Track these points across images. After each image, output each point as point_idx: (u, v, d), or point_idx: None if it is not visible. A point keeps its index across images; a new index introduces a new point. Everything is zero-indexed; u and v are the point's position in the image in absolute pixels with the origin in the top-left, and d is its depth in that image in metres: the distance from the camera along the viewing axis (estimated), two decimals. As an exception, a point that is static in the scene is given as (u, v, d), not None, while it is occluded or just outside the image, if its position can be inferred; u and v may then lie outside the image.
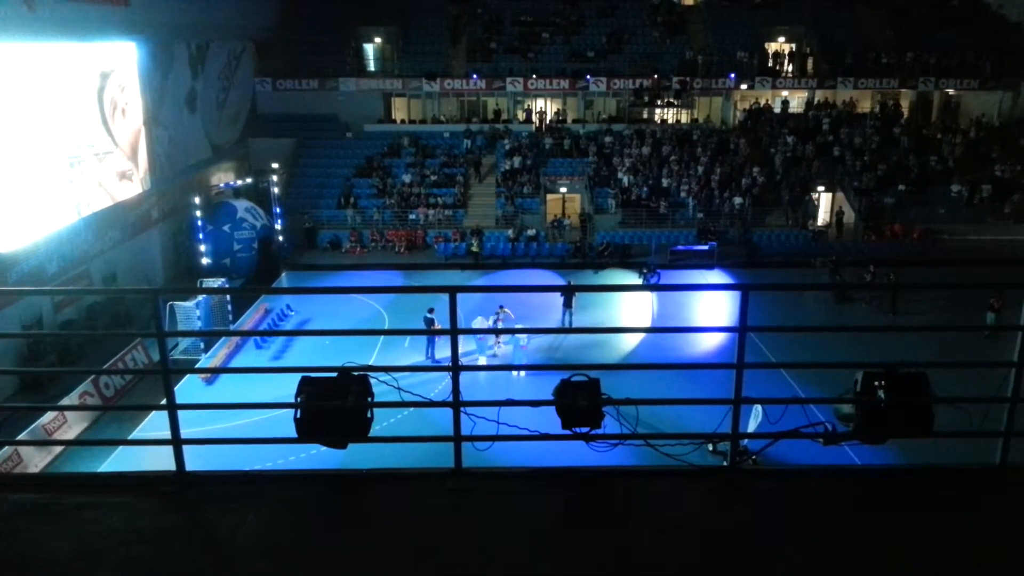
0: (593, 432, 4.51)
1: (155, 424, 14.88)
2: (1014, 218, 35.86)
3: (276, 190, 33.63)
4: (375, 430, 4.52)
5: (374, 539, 4.03)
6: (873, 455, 5.23)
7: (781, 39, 45.25)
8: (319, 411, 4.36)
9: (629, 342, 23.50)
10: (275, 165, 34.77)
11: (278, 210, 33.23)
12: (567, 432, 4.51)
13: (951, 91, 43.62)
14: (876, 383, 4.39)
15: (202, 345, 24.00)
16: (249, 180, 34.34)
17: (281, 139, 39.31)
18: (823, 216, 37.80)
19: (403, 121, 43.69)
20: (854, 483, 4.71)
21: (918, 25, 44.39)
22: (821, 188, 37.92)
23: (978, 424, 4.61)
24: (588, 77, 42.19)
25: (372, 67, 44.51)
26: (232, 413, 16.59)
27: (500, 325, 22.55)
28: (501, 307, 23.26)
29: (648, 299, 28.01)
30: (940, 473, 4.70)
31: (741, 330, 4.50)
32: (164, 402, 4.61)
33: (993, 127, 41.76)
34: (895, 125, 41.71)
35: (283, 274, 31.81)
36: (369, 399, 4.40)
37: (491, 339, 22.64)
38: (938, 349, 20.74)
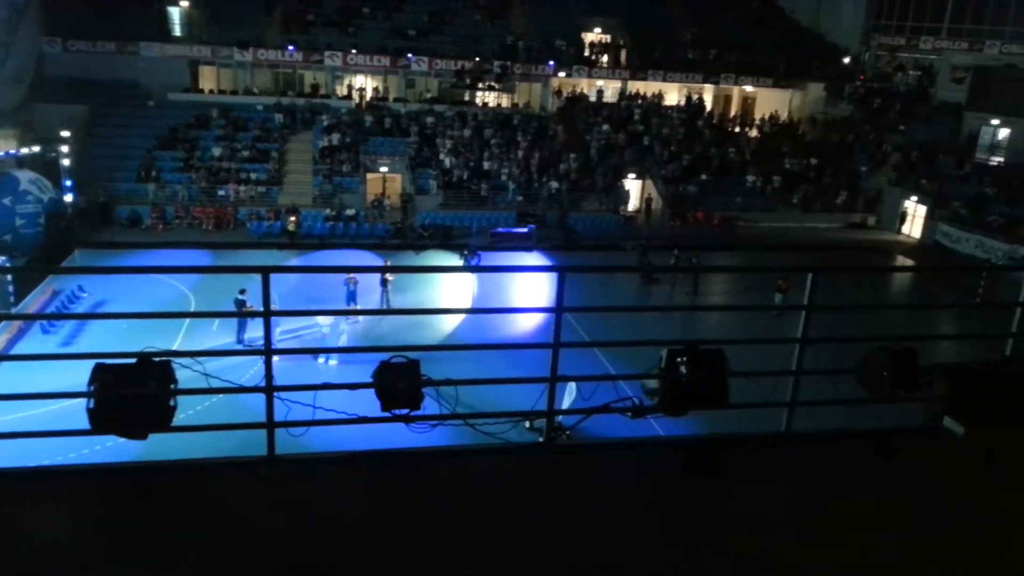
0: (413, 414, 4.50)
1: (-80, 419, 13.24)
2: (801, 207, 39.53)
3: (67, 161, 30.80)
4: (180, 419, 4.25)
5: (180, 534, 3.79)
6: (676, 427, 5.59)
7: (597, 30, 47.00)
8: (115, 400, 4.05)
9: (449, 323, 23.65)
10: (65, 133, 31.79)
11: (68, 182, 30.44)
12: (386, 415, 4.47)
13: (748, 88, 47.21)
14: (679, 359, 4.67)
15: (-21, 330, 21.65)
16: (35, 149, 31.17)
17: (73, 105, 35.78)
18: (634, 202, 39.78)
19: (212, 91, 41.15)
20: (659, 453, 5.00)
21: (721, 25, 47.62)
22: (632, 175, 39.90)
23: (767, 395, 5.03)
24: (410, 56, 41.78)
25: (178, 32, 41.65)
26: (15, 404, 15.03)
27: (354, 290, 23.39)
28: (351, 277, 23.69)
29: (469, 280, 28.29)
30: (733, 441, 5.10)
31: (558, 311, 4.64)
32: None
33: (784, 123, 45.66)
34: (699, 118, 44.58)
35: (75, 252, 29.23)
36: (172, 386, 4.14)
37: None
38: (733, 327, 22.46)
